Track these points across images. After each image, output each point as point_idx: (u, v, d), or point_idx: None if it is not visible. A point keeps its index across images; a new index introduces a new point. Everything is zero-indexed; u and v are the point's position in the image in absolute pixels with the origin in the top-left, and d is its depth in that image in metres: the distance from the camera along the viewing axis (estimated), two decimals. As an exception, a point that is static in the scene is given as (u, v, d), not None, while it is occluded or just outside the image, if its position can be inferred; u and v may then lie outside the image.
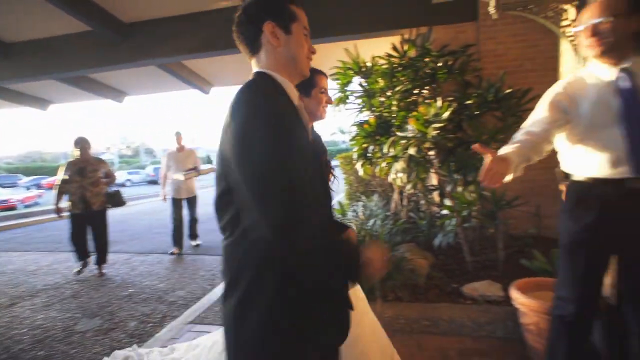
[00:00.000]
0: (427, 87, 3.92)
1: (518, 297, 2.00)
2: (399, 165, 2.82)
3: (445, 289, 2.88)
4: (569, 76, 1.69)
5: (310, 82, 1.52)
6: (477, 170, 2.76)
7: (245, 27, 0.98)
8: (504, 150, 1.51)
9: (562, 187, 1.75)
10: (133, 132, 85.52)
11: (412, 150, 2.67)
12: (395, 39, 4.11)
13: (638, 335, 1.52)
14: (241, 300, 0.88)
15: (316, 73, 1.59)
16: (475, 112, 3.21)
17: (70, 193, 4.44)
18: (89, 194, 4.42)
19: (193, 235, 5.88)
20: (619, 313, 1.63)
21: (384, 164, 3.04)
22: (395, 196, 4.06)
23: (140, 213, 11.04)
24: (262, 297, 0.86)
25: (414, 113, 2.99)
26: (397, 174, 2.86)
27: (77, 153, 4.51)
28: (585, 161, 1.57)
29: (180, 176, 5.32)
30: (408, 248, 3.32)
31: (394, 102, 3.90)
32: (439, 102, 2.81)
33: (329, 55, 4.68)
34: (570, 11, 2.09)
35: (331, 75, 4.12)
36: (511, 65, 3.97)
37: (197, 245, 5.87)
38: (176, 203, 5.51)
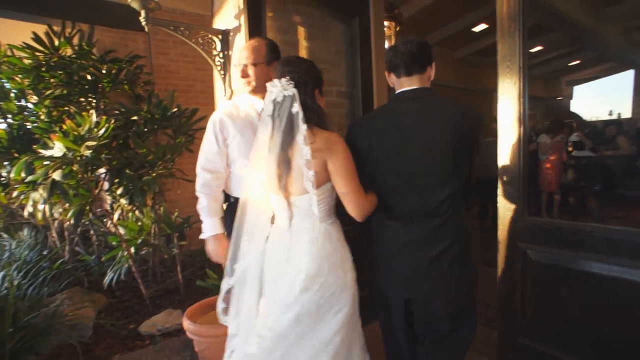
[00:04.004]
0: (91, 96, 3.32)
1: (188, 326, 1.92)
2: (38, 193, 2.13)
3: (120, 335, 2.46)
4: (227, 104, 1.79)
5: None
6: (144, 194, 2.53)
7: (427, 57, 1.38)
8: (215, 227, 1.69)
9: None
10: None
11: (56, 175, 2.07)
12: (39, 28, 3.22)
13: None
14: (458, 256, 1.35)
15: None
16: (145, 129, 2.98)
17: None
18: None
19: None
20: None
21: (16, 193, 2.22)
22: (53, 230, 3.15)
23: None
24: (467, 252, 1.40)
25: (65, 127, 2.38)
26: (37, 206, 2.15)
27: None
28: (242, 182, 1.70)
29: None
30: (69, 295, 2.62)
31: (43, 110, 3.04)
32: (94, 116, 2.36)
33: None
34: (218, 43, 2.25)
35: None
36: (183, 84, 4.05)
37: None
38: None
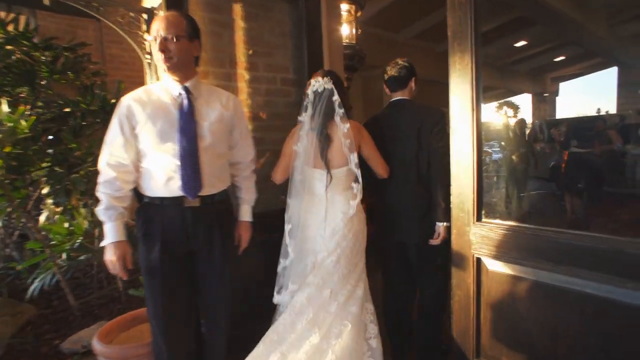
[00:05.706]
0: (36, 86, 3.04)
1: (96, 346, 1.66)
2: None
3: (40, 352, 2.20)
4: (138, 90, 1.54)
5: None
6: (70, 193, 2.26)
7: (408, 77, 1.89)
8: (113, 233, 1.44)
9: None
10: None
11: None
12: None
13: None
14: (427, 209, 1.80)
15: None
16: (83, 123, 2.71)
17: None
18: None
19: None
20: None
21: None
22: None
23: None
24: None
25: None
26: None
27: None
28: (152, 180, 1.48)
29: None
30: (-11, 308, 2.35)
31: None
32: (5, 107, 2.09)
33: None
34: (143, 23, 1.99)
35: None
36: (138, 76, 3.71)
37: None
38: None
